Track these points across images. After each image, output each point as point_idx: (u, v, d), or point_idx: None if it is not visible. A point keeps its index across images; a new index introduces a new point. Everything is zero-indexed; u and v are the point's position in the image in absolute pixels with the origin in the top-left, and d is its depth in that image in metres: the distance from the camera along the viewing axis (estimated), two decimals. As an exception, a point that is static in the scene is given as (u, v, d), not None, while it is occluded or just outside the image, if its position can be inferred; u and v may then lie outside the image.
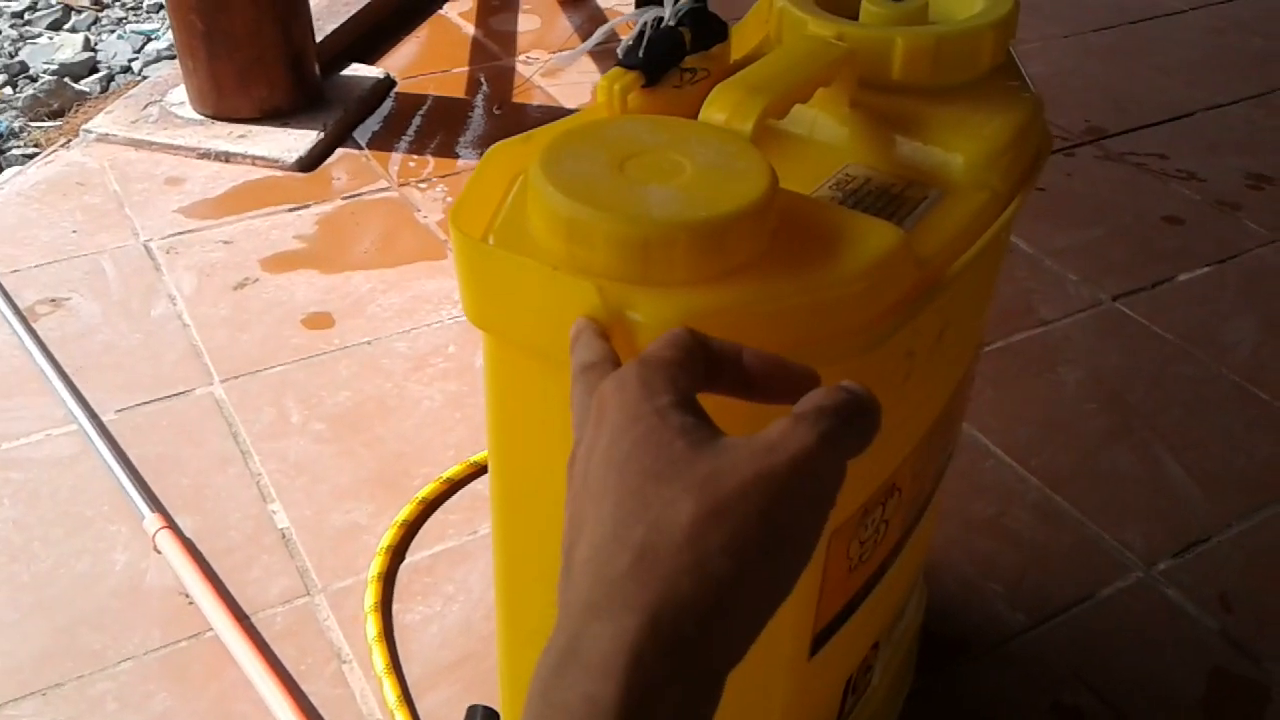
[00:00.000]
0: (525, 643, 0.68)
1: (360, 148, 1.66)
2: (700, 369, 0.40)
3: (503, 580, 0.66)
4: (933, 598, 0.96)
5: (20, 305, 1.30)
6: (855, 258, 0.52)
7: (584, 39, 1.96)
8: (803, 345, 0.50)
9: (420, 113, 1.77)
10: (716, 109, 0.56)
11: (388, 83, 1.83)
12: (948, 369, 0.67)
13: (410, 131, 1.71)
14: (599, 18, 2.08)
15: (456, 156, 1.65)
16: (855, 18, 0.67)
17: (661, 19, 0.65)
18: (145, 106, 1.71)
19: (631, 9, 0.64)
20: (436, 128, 1.73)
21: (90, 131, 1.66)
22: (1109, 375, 1.28)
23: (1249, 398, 1.26)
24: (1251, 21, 2.22)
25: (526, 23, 2.08)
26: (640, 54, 0.62)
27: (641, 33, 0.62)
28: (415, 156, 1.65)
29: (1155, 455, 1.18)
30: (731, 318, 0.49)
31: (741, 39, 0.71)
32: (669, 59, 0.63)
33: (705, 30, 0.65)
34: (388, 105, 1.78)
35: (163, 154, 1.62)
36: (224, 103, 1.66)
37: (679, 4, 0.65)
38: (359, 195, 1.55)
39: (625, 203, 0.49)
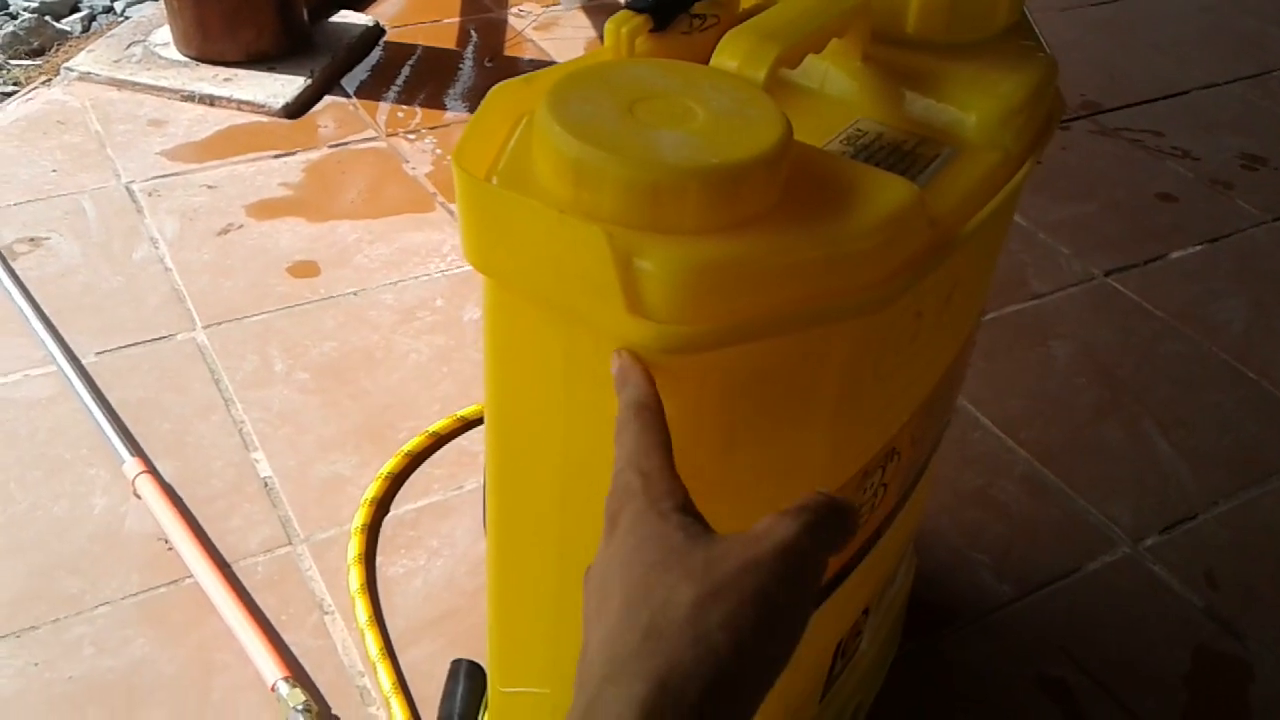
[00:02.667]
0: (515, 590, 0.67)
1: (348, 96, 1.63)
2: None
3: (495, 529, 0.64)
4: (921, 565, 0.95)
5: (-2, 244, 1.28)
6: (869, 213, 0.50)
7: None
8: (813, 300, 0.49)
9: (409, 63, 1.74)
10: (729, 55, 0.54)
11: (377, 31, 1.80)
12: (952, 333, 0.66)
13: (399, 81, 1.68)
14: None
15: (445, 108, 1.63)
16: (870, -30, 0.66)
17: (671, -37, 0.63)
18: (128, 46, 1.68)
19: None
20: (426, 79, 1.70)
21: (72, 70, 1.63)
22: (1100, 350, 1.28)
23: (1238, 377, 1.26)
24: (1247, 1, 2.21)
25: (520, -25, 2.05)
26: (650, -3, 0.60)
27: (652, -25, 0.60)
28: (404, 107, 1.62)
29: (1144, 431, 1.17)
30: (742, 269, 0.47)
31: (752, -13, 0.69)
32: (678, 4, 0.61)
33: (714, -23, 0.64)
34: (376, 54, 1.75)
35: (146, 95, 1.58)
36: (209, 45, 1.62)
37: (689, -51, 0.63)
38: (346, 144, 1.52)
39: (635, 146, 0.47)
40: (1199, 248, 1.47)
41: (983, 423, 1.16)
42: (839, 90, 0.63)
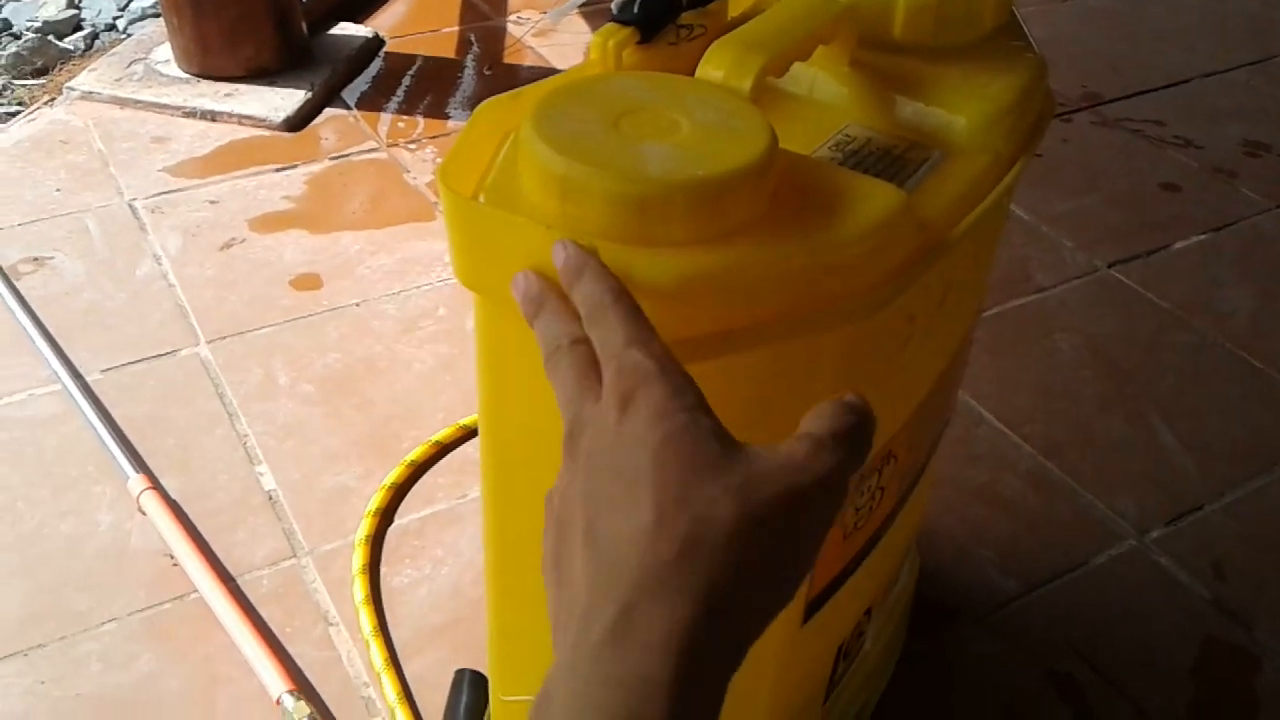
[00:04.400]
0: (515, 605, 0.67)
1: (349, 108, 1.64)
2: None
3: (493, 542, 0.65)
4: (925, 563, 0.95)
5: (3, 264, 1.28)
6: (857, 220, 0.50)
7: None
8: (803, 309, 0.49)
9: (409, 73, 1.74)
10: (714, 66, 0.54)
11: (376, 42, 1.80)
12: (947, 334, 0.66)
13: (399, 92, 1.69)
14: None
15: (446, 117, 1.63)
16: (856, -26, 0.66)
17: (657, -27, 0.63)
18: (130, 64, 1.68)
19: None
20: (426, 88, 1.71)
21: (74, 89, 1.63)
22: (1104, 343, 1.28)
23: (1244, 366, 1.25)
24: (1250, -13, 2.20)
25: (518, -19, 2.05)
26: (635, 9, 0.60)
27: (637, -13, 0.60)
28: (404, 117, 1.62)
29: (1149, 423, 1.17)
30: (731, 280, 0.47)
31: (739, -5, 0.69)
32: (665, 15, 0.61)
33: (701, -14, 0.64)
34: (376, 65, 1.76)
35: (148, 112, 1.59)
36: (210, 61, 1.63)
37: (676, -42, 0.63)
38: (347, 156, 1.53)
39: (621, 161, 0.47)
40: (1202, 237, 1.47)
41: (987, 418, 1.16)
42: (827, 96, 0.63)
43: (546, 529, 0.42)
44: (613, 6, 0.62)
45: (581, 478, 0.40)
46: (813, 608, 0.64)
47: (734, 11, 0.67)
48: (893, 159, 0.59)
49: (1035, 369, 1.23)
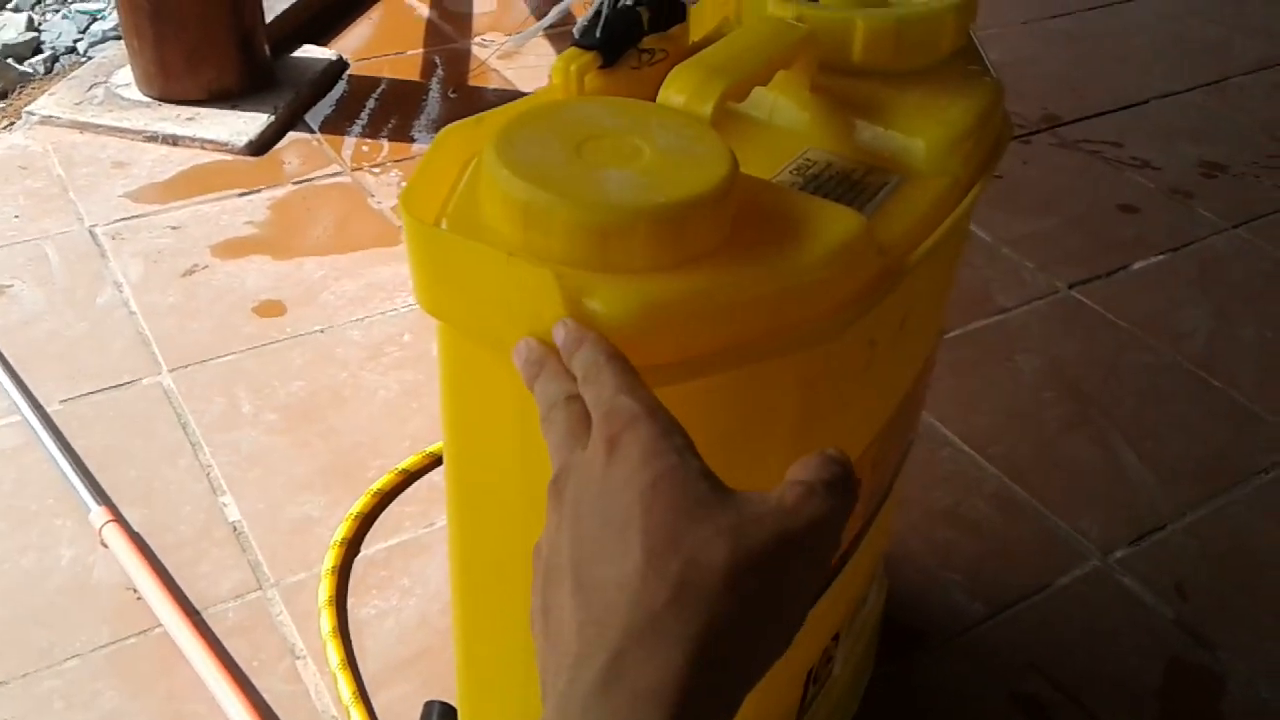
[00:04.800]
0: (483, 630, 0.67)
1: (312, 131, 1.63)
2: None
3: (459, 572, 0.64)
4: (892, 586, 0.95)
5: (-40, 292, 1.27)
6: (817, 245, 0.51)
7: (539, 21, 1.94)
8: (764, 334, 0.49)
9: (374, 96, 1.74)
10: (675, 90, 0.54)
11: (340, 65, 1.80)
12: (909, 357, 0.66)
13: (363, 115, 1.69)
14: None
15: (411, 140, 1.63)
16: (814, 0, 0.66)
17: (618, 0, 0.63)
18: (90, 88, 1.67)
19: (588, -11, 0.63)
20: (390, 111, 1.70)
21: (33, 114, 1.62)
22: (1066, 364, 1.29)
23: (1203, 386, 1.27)
24: (1205, 9, 2.24)
25: (482, 4, 2.05)
26: (597, 34, 0.60)
27: (599, 11, 0.61)
28: (369, 140, 1.62)
29: (1111, 444, 1.18)
30: (692, 306, 0.48)
31: (700, 20, 0.70)
32: (627, 39, 0.61)
33: (663, 11, 0.64)
34: (340, 88, 1.75)
35: (108, 137, 1.58)
36: (171, 84, 1.62)
37: (638, -16, 0.63)
38: (311, 180, 1.52)
39: (583, 187, 0.47)
40: (1161, 257, 1.49)
41: (951, 440, 1.17)
42: (788, 121, 0.63)
43: (535, 580, 0.41)
44: (575, 31, 0.62)
45: (569, 523, 0.40)
46: (779, 633, 0.64)
47: (695, 36, 0.68)
48: (852, 183, 0.59)
49: (998, 390, 1.24)
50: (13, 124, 1.63)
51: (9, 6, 2.41)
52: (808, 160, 0.61)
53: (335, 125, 1.65)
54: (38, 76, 2.11)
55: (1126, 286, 1.42)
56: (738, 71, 0.55)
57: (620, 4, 0.63)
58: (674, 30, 0.64)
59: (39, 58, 2.18)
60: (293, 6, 1.84)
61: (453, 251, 0.49)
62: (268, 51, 1.70)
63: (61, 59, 2.19)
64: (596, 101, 0.55)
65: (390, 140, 1.63)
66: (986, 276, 1.42)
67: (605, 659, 0.36)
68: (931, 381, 1.19)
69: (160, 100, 1.63)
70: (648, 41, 0.63)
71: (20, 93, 2.02)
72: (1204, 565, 1.05)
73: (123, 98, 1.64)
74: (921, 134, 0.61)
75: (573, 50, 0.60)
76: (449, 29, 1.96)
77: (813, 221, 0.52)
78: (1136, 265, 1.47)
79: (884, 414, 0.65)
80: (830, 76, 0.63)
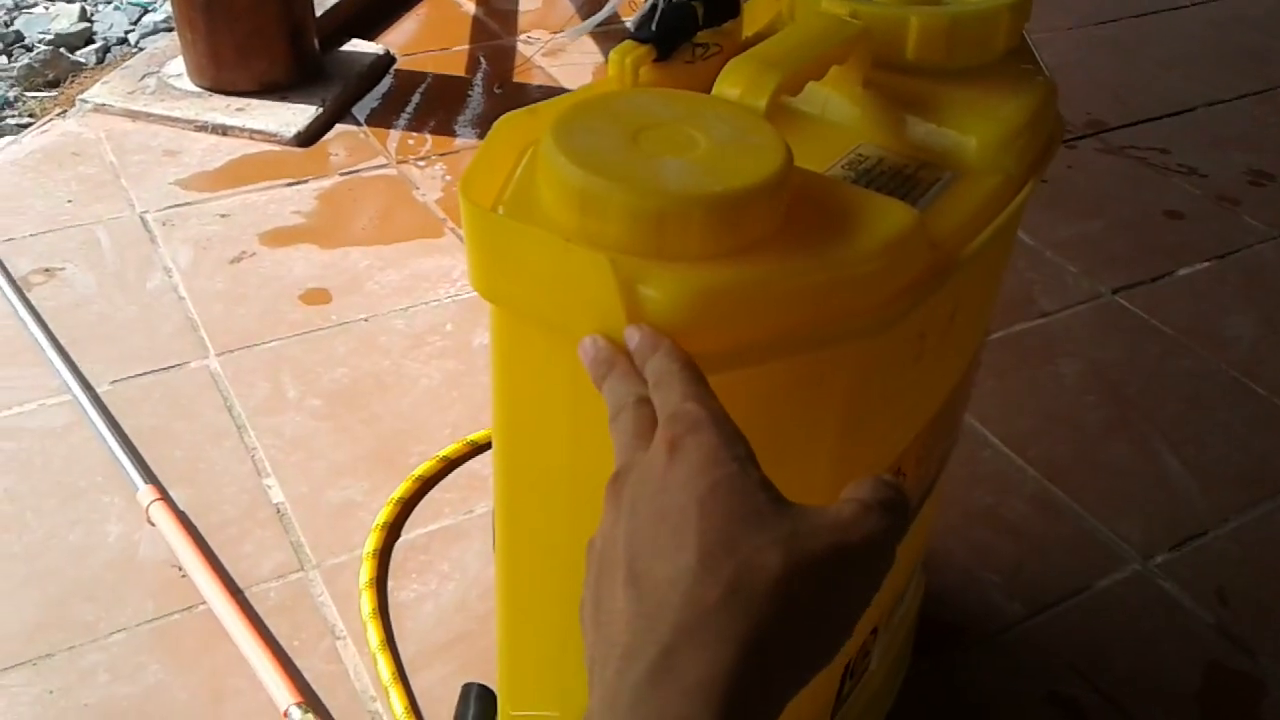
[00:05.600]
0: (525, 613, 0.67)
1: (359, 124, 1.65)
2: None
3: (504, 555, 0.65)
4: (931, 584, 0.96)
5: (14, 274, 1.29)
6: (870, 237, 0.51)
7: (585, 19, 1.95)
8: (816, 324, 0.50)
9: (419, 90, 1.76)
10: (730, 84, 0.55)
11: (387, 59, 1.81)
12: (957, 352, 0.67)
13: (409, 109, 1.70)
14: (601, -1, 2.07)
15: (455, 135, 1.64)
16: (870, -4, 0.67)
17: (675, -7, 0.64)
18: (142, 78, 1.70)
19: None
20: (435, 106, 1.72)
21: (86, 101, 1.64)
22: (1108, 368, 1.28)
23: (1247, 393, 1.26)
24: (1253, 17, 2.22)
25: (527, 2, 2.06)
26: (653, 27, 0.61)
27: (654, 6, 0.61)
28: (414, 134, 1.63)
29: (1153, 449, 1.17)
30: (746, 294, 0.48)
31: (753, 16, 0.70)
32: (681, 33, 0.62)
33: (718, 6, 0.65)
34: (387, 82, 1.77)
35: (160, 125, 1.60)
36: (222, 75, 1.64)
37: (693, -22, 0.64)
38: (357, 171, 1.54)
39: (639, 175, 0.48)
40: (1206, 264, 1.48)
41: (992, 441, 1.16)
42: (840, 116, 0.64)
43: (588, 573, 0.42)
44: (630, 24, 0.63)
45: (625, 519, 0.40)
46: (820, 624, 0.64)
47: (748, 32, 0.68)
48: (904, 178, 0.60)
49: (1040, 393, 1.24)
50: (65, 111, 1.66)
51: (62, -2, 2.46)
52: (860, 155, 0.61)
53: (381, 118, 1.67)
54: (89, 66, 2.14)
55: (1171, 292, 1.42)
56: (792, 66, 0.56)
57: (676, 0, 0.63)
58: (728, 25, 0.65)
59: (91, 48, 2.22)
60: (342, 1, 1.86)
61: (510, 236, 0.49)
62: (317, 45, 1.72)
63: (113, 49, 2.23)
64: (652, 92, 0.56)
65: (435, 134, 1.64)
66: (1030, 279, 1.41)
67: (655, 653, 0.36)
68: (974, 383, 1.19)
69: (211, 91, 1.65)
70: (702, 36, 0.63)
71: (72, 81, 2.06)
72: (1245, 571, 1.04)
73: (174, 88, 1.66)
74: (974, 131, 0.61)
75: (628, 43, 0.60)
76: (495, 25, 1.97)
77: (865, 214, 0.52)
78: (1182, 271, 1.46)
79: (930, 409, 0.65)
80: (883, 73, 0.63)
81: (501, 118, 0.56)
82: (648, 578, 0.38)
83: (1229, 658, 0.96)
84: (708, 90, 0.55)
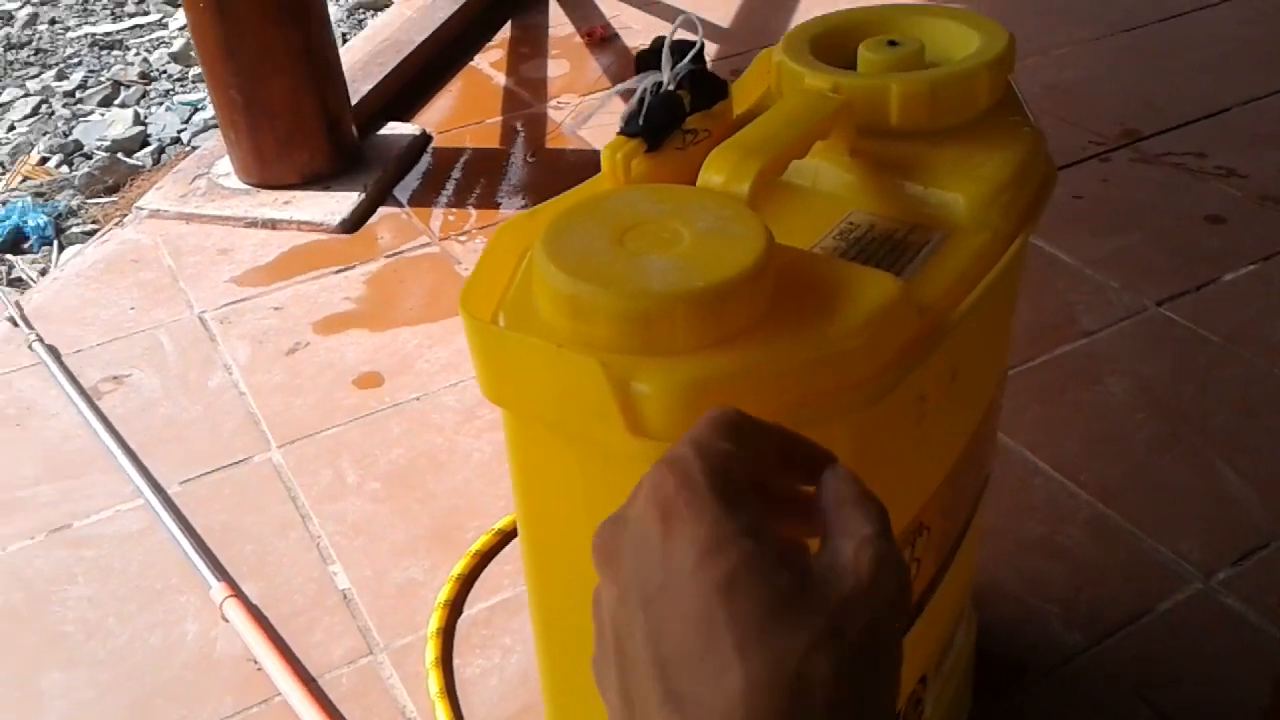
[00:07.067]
0: (569, 700, 0.70)
1: (401, 205, 1.70)
2: (753, 456, 0.40)
3: (542, 640, 0.67)
4: (987, 619, 0.96)
5: (85, 385, 1.35)
6: (854, 311, 0.53)
7: (613, 81, 1.98)
8: (808, 402, 0.52)
9: (457, 165, 1.81)
10: (714, 172, 0.57)
11: (424, 138, 1.87)
12: (966, 406, 0.68)
13: (448, 185, 1.75)
14: (627, 56, 2.11)
15: (496, 207, 1.69)
16: (853, 63, 0.69)
17: (660, 84, 0.67)
18: (193, 180, 1.77)
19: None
20: (474, 180, 1.76)
21: (142, 209, 1.72)
22: (1156, 383, 1.28)
23: (1301, 396, 1.24)
24: (1285, 10, 2.19)
25: (556, 68, 2.11)
26: (640, 121, 0.63)
27: (641, 99, 0.64)
28: (455, 210, 1.68)
29: (1208, 462, 1.17)
30: (736, 381, 0.50)
31: (744, 93, 0.73)
32: (669, 123, 0.64)
33: (705, 90, 0.67)
34: (425, 161, 1.82)
35: (212, 225, 1.67)
36: (267, 171, 1.71)
37: (676, 68, 0.67)
38: (402, 253, 1.58)
39: (625, 276, 0.50)
40: (1252, 267, 1.46)
41: (1042, 468, 1.16)
42: (831, 185, 0.66)
43: (598, 635, 0.40)
44: (620, 119, 0.65)
45: (639, 607, 0.37)
46: (857, 681, 0.66)
47: (741, 109, 0.71)
48: (895, 244, 0.61)
49: (1087, 415, 1.24)
50: (124, 218, 1.73)
51: (116, 103, 2.57)
52: (851, 224, 0.63)
53: (422, 197, 1.72)
54: (147, 168, 2.23)
55: (1216, 300, 1.40)
56: (772, 149, 0.58)
57: (662, 89, 0.66)
58: (718, 107, 0.67)
59: (146, 150, 2.32)
60: (376, 87, 1.92)
61: (507, 345, 0.52)
62: (355, 133, 1.78)
63: (168, 149, 2.32)
64: (639, 190, 0.58)
65: (476, 208, 1.68)
66: (1070, 300, 1.41)
67: None
68: (1019, 411, 1.19)
69: (258, 186, 1.72)
70: (691, 121, 0.65)
71: (131, 185, 2.15)
72: (1309, 583, 1.03)
73: (223, 187, 1.73)
74: (961, 190, 0.63)
75: (619, 139, 0.63)
76: (525, 94, 2.02)
77: (850, 287, 0.54)
78: (1227, 277, 1.45)
79: (947, 461, 0.67)
80: (870, 140, 0.65)
81: (501, 225, 0.59)
82: (692, 700, 0.35)
83: (1297, 672, 0.95)
84: (698, 176, 0.58)
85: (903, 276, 0.59)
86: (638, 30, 2.23)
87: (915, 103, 0.65)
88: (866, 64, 0.68)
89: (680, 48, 0.67)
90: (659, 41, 0.66)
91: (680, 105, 0.65)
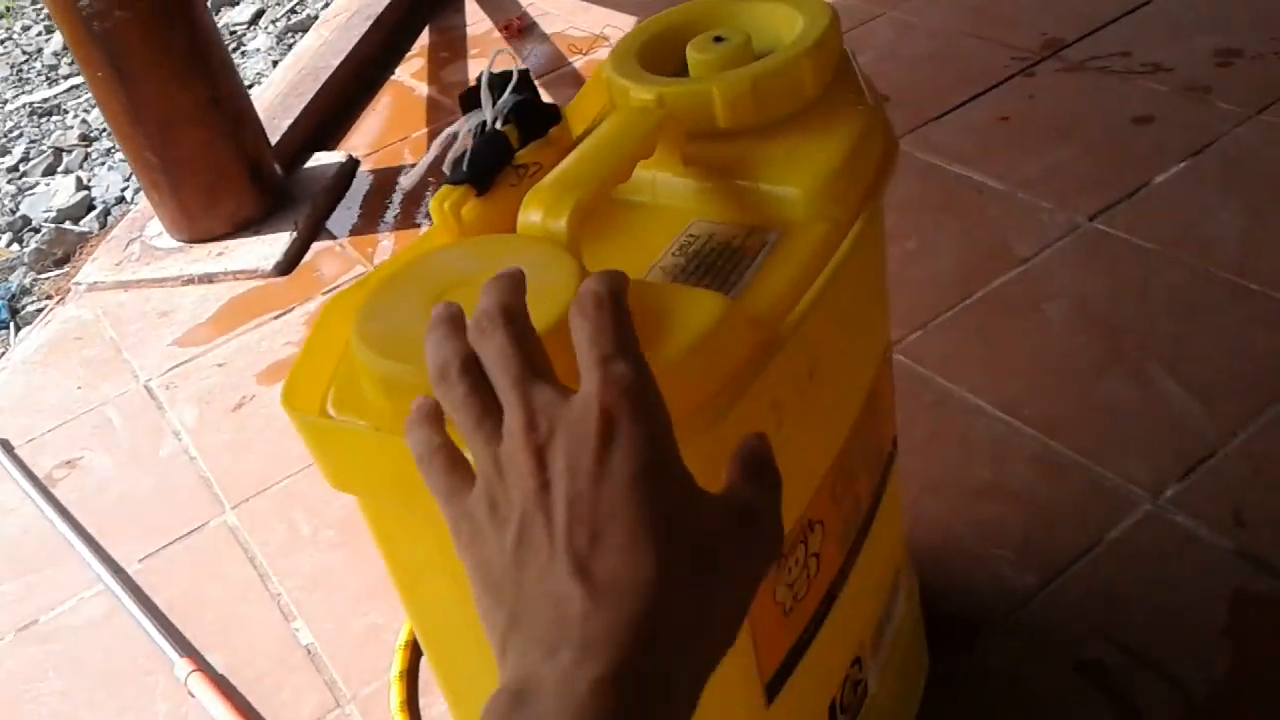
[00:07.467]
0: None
1: (334, 237, 1.69)
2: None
3: (448, 694, 0.67)
4: (939, 577, 0.96)
5: (39, 474, 1.36)
6: (680, 337, 0.52)
7: (535, 72, 1.96)
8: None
9: (389, 187, 1.79)
10: (531, 211, 0.56)
11: (351, 164, 1.86)
12: (838, 397, 0.67)
13: (382, 209, 1.74)
14: (548, 46, 2.09)
15: (429, 223, 1.67)
16: (684, 65, 0.68)
17: (484, 123, 0.66)
18: (127, 246, 1.76)
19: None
20: (408, 199, 1.75)
21: (80, 283, 1.72)
22: (1095, 301, 1.26)
23: (1240, 292, 1.23)
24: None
25: (477, 67, 2.09)
26: (464, 167, 0.63)
27: (465, 147, 0.63)
28: (390, 233, 1.67)
29: (1150, 376, 1.16)
30: (561, 434, 0.50)
31: (583, 111, 0.72)
32: (497, 163, 0.63)
33: (536, 119, 0.66)
34: (355, 187, 1.81)
35: (150, 289, 1.66)
36: (196, 225, 1.70)
37: (499, 104, 0.66)
38: (339, 286, 1.58)
39: (437, 348, 0.50)
40: (1182, 164, 1.45)
41: (985, 409, 1.16)
42: (669, 197, 0.65)
43: (483, 526, 0.44)
44: (444, 168, 0.64)
45: (562, 499, 0.41)
46: (774, 688, 0.66)
47: (577, 130, 0.70)
48: (732, 251, 0.61)
49: (1027, 346, 1.23)
50: (64, 297, 1.73)
51: (59, 170, 2.56)
52: (691, 236, 0.62)
53: (357, 226, 1.71)
54: (94, 234, 2.22)
55: (1149, 205, 1.39)
56: (590, 181, 0.57)
57: (486, 129, 0.65)
58: (553, 133, 0.66)
59: (92, 215, 2.31)
60: (297, 120, 1.91)
61: (329, 434, 0.52)
62: (279, 171, 1.77)
63: (113, 210, 2.31)
64: (457, 247, 0.57)
65: (409, 228, 1.67)
66: (1003, 228, 1.40)
67: (621, 655, 0.39)
68: (959, 350, 1.18)
69: (190, 242, 1.71)
70: (523, 155, 0.64)
71: (80, 253, 2.14)
72: (1259, 486, 1.02)
73: (157, 248, 1.73)
74: (793, 182, 0.62)
75: (445, 188, 0.62)
76: (449, 101, 2.01)
77: (676, 313, 0.53)
78: (1157, 180, 1.43)
79: (828, 454, 0.66)
80: (703, 143, 0.64)
81: (325, 304, 0.58)
82: (605, 578, 0.40)
83: (1252, 582, 0.95)
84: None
85: (738, 287, 0.58)
86: (556, 15, 2.21)
87: (739, 103, 0.64)
88: (695, 65, 0.67)
89: (503, 81, 0.66)
90: (480, 80, 0.65)
91: (506, 143, 0.64)
